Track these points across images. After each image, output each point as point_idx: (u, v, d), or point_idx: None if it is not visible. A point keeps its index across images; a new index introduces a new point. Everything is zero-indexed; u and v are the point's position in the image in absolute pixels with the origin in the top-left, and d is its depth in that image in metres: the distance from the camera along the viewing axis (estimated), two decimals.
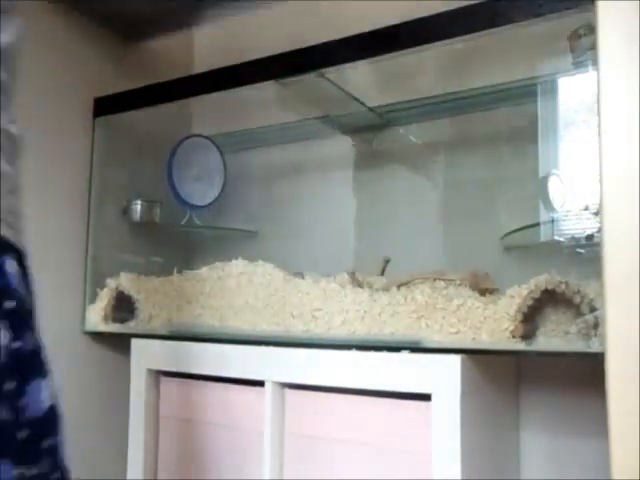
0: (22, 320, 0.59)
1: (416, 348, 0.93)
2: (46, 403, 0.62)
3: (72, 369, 1.31)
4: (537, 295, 0.87)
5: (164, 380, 1.19)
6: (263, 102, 1.40)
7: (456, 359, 0.87)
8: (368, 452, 0.94)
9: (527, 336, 0.88)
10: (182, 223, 1.52)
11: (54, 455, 0.61)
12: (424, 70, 1.22)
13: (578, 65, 1.08)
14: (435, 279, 1.09)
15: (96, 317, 1.31)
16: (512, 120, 1.23)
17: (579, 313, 0.84)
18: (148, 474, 1.17)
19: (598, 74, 0.55)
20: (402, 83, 1.28)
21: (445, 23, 0.96)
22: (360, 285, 1.11)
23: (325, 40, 1.08)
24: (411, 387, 0.90)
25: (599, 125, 0.55)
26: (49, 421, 0.62)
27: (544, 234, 1.10)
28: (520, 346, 0.87)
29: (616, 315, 0.53)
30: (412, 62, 1.06)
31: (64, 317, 1.31)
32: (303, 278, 1.14)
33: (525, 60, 1.11)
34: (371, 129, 1.40)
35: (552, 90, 1.11)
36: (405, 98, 1.32)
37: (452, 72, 1.23)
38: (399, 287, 1.07)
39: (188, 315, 1.19)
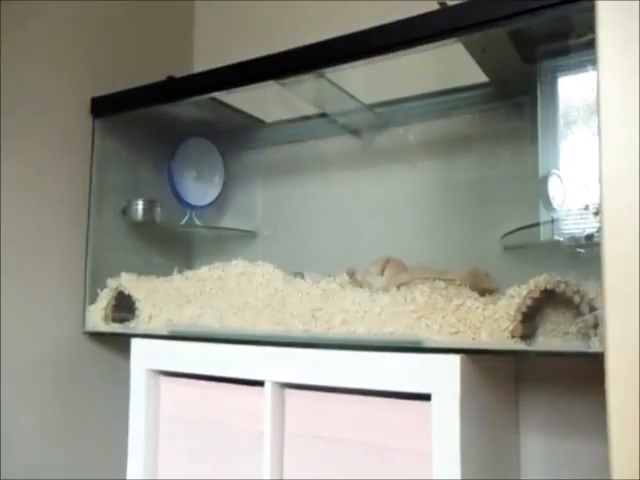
0: None
1: (416, 348, 0.93)
2: None
3: (72, 369, 1.32)
4: (537, 295, 0.87)
5: (164, 380, 1.19)
6: (262, 101, 1.40)
7: (456, 359, 0.87)
8: (368, 452, 0.94)
9: (527, 336, 0.88)
10: (182, 223, 1.53)
11: None
12: (424, 68, 1.22)
13: (578, 64, 1.08)
14: (435, 279, 1.09)
15: (96, 317, 1.31)
16: (512, 119, 1.24)
17: (579, 313, 0.84)
18: (148, 474, 1.17)
19: (598, 74, 0.55)
20: (403, 82, 1.28)
21: (445, 21, 0.96)
22: (360, 285, 1.11)
23: (325, 39, 1.09)
24: (411, 387, 0.90)
25: (599, 125, 0.55)
26: None
27: (544, 234, 1.10)
28: (520, 346, 0.87)
29: (616, 315, 0.53)
30: (412, 61, 1.06)
31: (64, 317, 1.31)
32: (303, 278, 1.14)
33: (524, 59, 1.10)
34: (371, 129, 1.40)
35: (552, 89, 1.11)
36: (405, 97, 1.33)
37: (452, 70, 1.23)
38: (399, 287, 1.07)
39: (188, 315, 1.19)
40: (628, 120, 0.54)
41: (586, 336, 0.82)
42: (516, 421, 1.17)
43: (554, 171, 1.09)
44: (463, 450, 0.85)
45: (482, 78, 1.17)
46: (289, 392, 1.04)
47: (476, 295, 0.97)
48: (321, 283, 1.09)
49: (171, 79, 1.32)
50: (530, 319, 0.89)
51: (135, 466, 1.18)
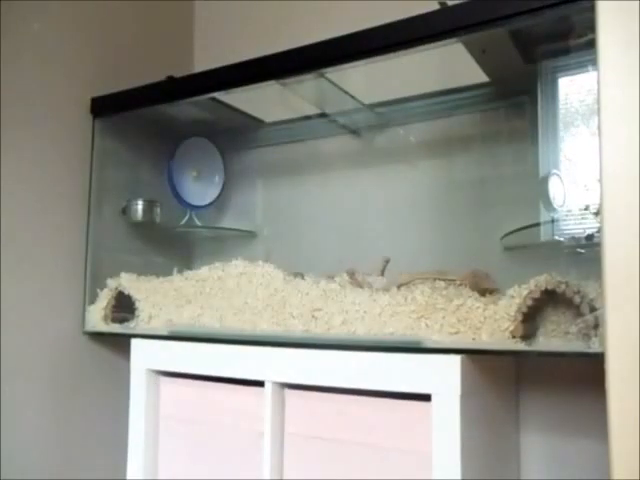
0: None
1: (416, 348, 0.93)
2: None
3: (72, 369, 1.32)
4: (537, 295, 0.87)
5: (164, 380, 1.19)
6: (262, 101, 1.40)
7: (456, 359, 0.87)
8: (368, 452, 0.94)
9: (527, 336, 0.88)
10: (182, 223, 1.53)
11: None
12: (424, 68, 1.22)
13: (578, 65, 1.08)
14: (435, 279, 1.09)
15: (96, 317, 1.31)
16: (512, 119, 1.24)
17: (579, 313, 0.84)
18: (148, 474, 1.17)
19: (598, 74, 0.55)
20: (403, 82, 1.28)
21: (445, 21, 0.96)
22: (360, 285, 1.11)
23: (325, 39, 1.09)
24: (411, 387, 0.90)
25: (599, 125, 0.55)
26: None
27: (544, 234, 1.10)
28: (520, 346, 0.87)
29: (616, 315, 0.53)
30: (412, 61, 1.06)
31: (64, 317, 1.31)
32: (303, 278, 1.14)
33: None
34: (371, 129, 1.40)
35: (552, 89, 1.11)
36: (405, 97, 1.33)
37: (452, 70, 1.23)
38: (399, 287, 1.07)
39: (188, 315, 1.19)
40: (628, 120, 0.54)
41: (586, 336, 0.82)
42: (516, 421, 1.17)
43: (554, 171, 1.09)
44: (463, 450, 0.85)
45: (482, 78, 1.17)
46: (289, 392, 1.04)
47: (476, 295, 0.97)
48: (321, 283, 1.09)
49: (171, 79, 1.32)
50: (530, 319, 0.89)
51: (135, 466, 1.18)
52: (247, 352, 1.07)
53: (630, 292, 0.52)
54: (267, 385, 1.03)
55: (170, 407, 1.18)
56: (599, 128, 0.55)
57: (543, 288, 0.87)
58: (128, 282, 1.31)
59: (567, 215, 1.07)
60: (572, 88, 1.11)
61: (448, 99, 1.28)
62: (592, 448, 1.08)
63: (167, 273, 1.34)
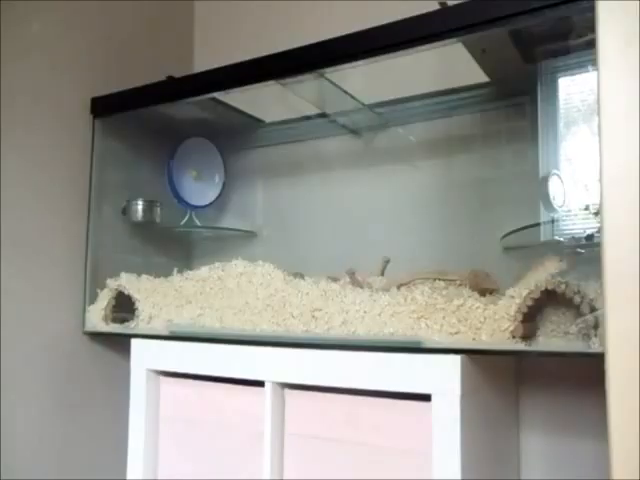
0: None
1: (416, 348, 0.93)
2: None
3: (72, 369, 1.32)
4: (537, 295, 0.87)
5: (164, 380, 1.19)
6: (262, 101, 1.40)
7: (456, 359, 0.87)
8: (368, 452, 0.94)
9: (527, 336, 0.88)
10: (182, 223, 1.53)
11: None
12: (424, 68, 1.22)
13: (578, 64, 1.08)
14: (435, 279, 1.09)
15: (96, 317, 1.31)
16: (512, 119, 1.24)
17: (579, 313, 0.84)
18: (148, 474, 1.17)
19: (598, 74, 0.55)
20: (403, 82, 1.28)
21: (445, 21, 0.96)
22: (360, 285, 1.11)
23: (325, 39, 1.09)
24: (411, 387, 0.90)
25: (599, 125, 0.55)
26: None
27: (544, 234, 1.09)
28: (520, 346, 0.87)
29: (616, 315, 0.53)
30: (412, 61, 1.06)
31: (64, 317, 1.31)
32: (303, 278, 1.14)
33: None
34: (371, 129, 1.40)
35: (552, 89, 1.11)
36: (405, 97, 1.33)
37: (452, 70, 1.23)
38: (399, 287, 1.07)
39: (188, 315, 1.19)
40: (628, 120, 0.53)
41: (586, 336, 0.82)
42: (516, 421, 1.17)
43: (554, 171, 1.09)
44: (463, 450, 0.85)
45: (482, 78, 1.17)
46: (289, 392, 1.04)
47: (476, 295, 0.97)
48: (321, 283, 1.09)
49: (171, 79, 1.32)
50: (531, 319, 0.89)
51: (135, 466, 1.18)
52: (247, 352, 1.07)
53: (630, 292, 0.52)
54: (267, 385, 1.03)
55: (170, 407, 1.18)
56: (599, 128, 0.55)
57: (543, 288, 0.87)
58: (128, 282, 1.31)
59: (567, 215, 1.07)
60: (572, 88, 1.11)
61: (448, 99, 1.28)
62: (592, 448, 1.08)
63: (167, 273, 1.34)
